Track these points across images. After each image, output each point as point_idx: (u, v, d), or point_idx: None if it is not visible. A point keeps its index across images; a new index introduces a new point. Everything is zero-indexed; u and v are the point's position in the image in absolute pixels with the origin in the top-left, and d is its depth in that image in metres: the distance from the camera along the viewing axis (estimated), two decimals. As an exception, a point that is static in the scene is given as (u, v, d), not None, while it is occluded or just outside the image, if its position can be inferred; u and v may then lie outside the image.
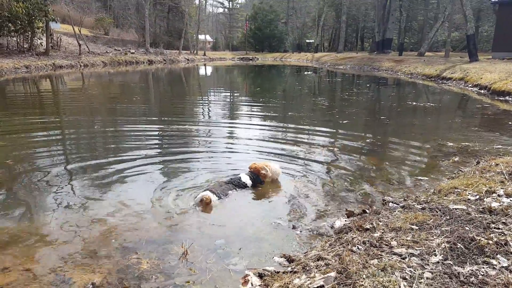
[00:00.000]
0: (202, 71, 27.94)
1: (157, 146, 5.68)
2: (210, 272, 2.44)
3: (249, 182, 3.97)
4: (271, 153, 5.20)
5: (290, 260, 2.48)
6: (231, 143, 5.81)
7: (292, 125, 7.28)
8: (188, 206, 3.45)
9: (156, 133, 6.61)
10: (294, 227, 3.05)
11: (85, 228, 3.02)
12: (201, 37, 57.14)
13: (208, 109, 9.67)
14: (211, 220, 3.22)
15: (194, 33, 49.85)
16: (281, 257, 2.54)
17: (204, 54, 47.52)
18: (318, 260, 2.28)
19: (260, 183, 4.06)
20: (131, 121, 7.68)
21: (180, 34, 42.90)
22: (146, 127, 7.05)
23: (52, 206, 3.42)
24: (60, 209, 3.35)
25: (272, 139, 6.05)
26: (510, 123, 7.37)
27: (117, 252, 2.67)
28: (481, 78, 13.64)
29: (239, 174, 4.07)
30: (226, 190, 3.79)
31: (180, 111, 9.37)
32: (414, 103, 10.54)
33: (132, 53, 32.37)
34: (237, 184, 3.92)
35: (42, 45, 23.60)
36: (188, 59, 38.56)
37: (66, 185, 3.91)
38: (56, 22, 25.59)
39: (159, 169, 4.47)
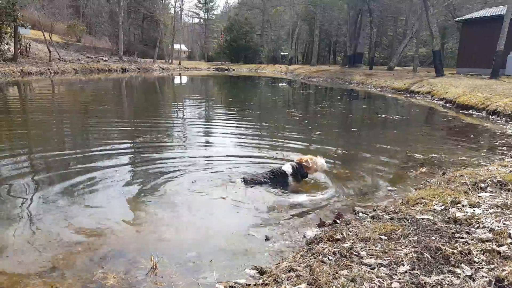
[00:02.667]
0: (177, 80, 27.73)
1: (127, 155, 5.55)
2: (178, 286, 2.37)
3: (289, 170, 4.18)
4: (245, 162, 5.19)
5: (261, 272, 2.45)
6: (205, 152, 5.75)
7: (266, 136, 7.32)
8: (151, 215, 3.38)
9: (128, 142, 6.46)
10: (267, 238, 3.04)
11: (47, 241, 2.88)
12: (177, 46, 56.94)
13: (182, 119, 9.57)
14: (182, 231, 3.16)
15: (169, 42, 49.59)
16: (253, 269, 2.52)
17: (179, 64, 47.28)
18: (289, 271, 2.26)
19: (303, 176, 4.24)
20: (100, 127, 7.49)
21: (155, 43, 42.57)
22: (117, 135, 6.89)
23: (12, 217, 3.26)
24: (20, 221, 3.19)
25: (246, 149, 6.04)
26: (472, 135, 7.71)
27: (82, 266, 2.56)
28: (447, 93, 14.24)
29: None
30: (260, 177, 4.17)
31: (153, 120, 9.22)
32: (383, 115, 10.85)
33: (105, 61, 31.80)
34: (276, 172, 4.19)
35: (10, 50, 22.78)
36: (162, 68, 38.22)
37: (29, 196, 3.74)
38: (26, 28, 24.80)
39: (128, 179, 4.36)
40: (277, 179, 4.19)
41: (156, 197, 3.87)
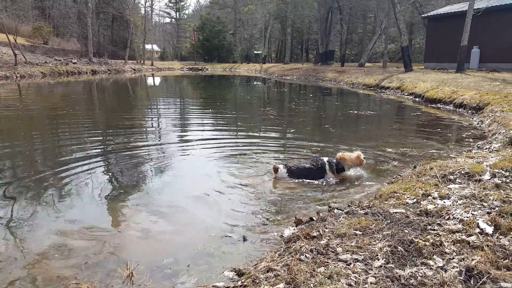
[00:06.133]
0: (150, 81, 27.25)
1: (99, 160, 5.39)
2: (156, 292, 2.33)
3: (327, 163, 4.53)
4: (221, 161, 5.16)
5: (240, 273, 2.44)
6: (180, 154, 5.67)
7: (242, 134, 7.31)
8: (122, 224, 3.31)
9: (99, 146, 6.29)
10: (244, 239, 3.03)
11: (17, 252, 2.77)
12: (148, 46, 55.97)
13: (157, 120, 9.40)
14: (159, 237, 3.10)
15: (141, 42, 48.68)
16: (231, 271, 2.50)
17: (152, 64, 46.51)
18: (267, 271, 2.26)
19: (340, 169, 4.53)
20: (71, 131, 7.25)
21: (126, 44, 41.66)
22: (89, 141, 6.69)
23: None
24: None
25: (221, 149, 6.00)
26: (441, 129, 7.97)
27: (55, 277, 2.48)
28: (416, 87, 14.66)
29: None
30: (301, 164, 4.50)
31: (125, 124, 9.01)
32: (355, 111, 11.06)
33: (74, 63, 30.82)
34: (316, 163, 4.52)
35: (-31, 54, 21.72)
36: (134, 69, 37.51)
37: (-5, 208, 3.58)
38: (-13, 30, 23.67)
39: (102, 185, 4.24)
40: (317, 170, 4.50)
41: (131, 203, 3.79)
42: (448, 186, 3.33)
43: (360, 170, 4.79)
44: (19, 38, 28.14)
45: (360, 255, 2.23)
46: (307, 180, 4.43)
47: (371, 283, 1.94)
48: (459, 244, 2.26)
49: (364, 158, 4.62)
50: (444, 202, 2.96)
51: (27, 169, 4.88)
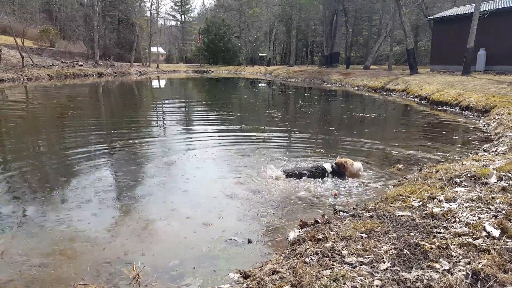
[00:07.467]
0: (155, 83, 27.39)
1: (106, 162, 5.43)
2: (162, 294, 2.35)
3: (329, 169, 4.61)
4: (225, 163, 5.17)
5: (245, 276, 2.45)
6: (186, 156, 5.70)
7: (247, 136, 7.32)
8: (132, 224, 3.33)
9: (104, 146, 6.33)
10: (249, 241, 3.04)
11: (24, 254, 2.79)
12: (154, 49, 56.24)
13: (162, 122, 9.45)
14: (165, 240, 3.12)
15: (146, 45, 48.96)
16: (236, 273, 2.51)
17: (157, 67, 46.74)
18: (273, 274, 2.27)
19: (340, 175, 4.59)
20: (77, 133, 7.31)
21: (132, 46, 41.93)
22: (94, 143, 6.74)
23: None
24: (-5, 236, 3.08)
25: (225, 151, 6.02)
26: (446, 131, 7.93)
27: (61, 278, 2.50)
28: (421, 90, 14.60)
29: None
30: (301, 170, 4.52)
31: (131, 126, 9.06)
32: (361, 114, 11.03)
33: (81, 65, 31.10)
34: (316, 169, 4.58)
35: (-22, 57, 22.01)
36: (140, 72, 37.75)
37: (3, 208, 3.62)
38: (-5, 33, 23.96)
39: (109, 187, 4.27)
40: (317, 174, 4.55)
41: (135, 204, 3.81)
42: (454, 189, 3.32)
43: (365, 172, 4.78)
44: (27, 41, 28.49)
45: (366, 257, 2.22)
46: (310, 184, 4.42)
47: (376, 286, 1.94)
48: (465, 247, 2.25)
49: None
50: (450, 205, 2.95)
51: (31, 168, 4.92)
